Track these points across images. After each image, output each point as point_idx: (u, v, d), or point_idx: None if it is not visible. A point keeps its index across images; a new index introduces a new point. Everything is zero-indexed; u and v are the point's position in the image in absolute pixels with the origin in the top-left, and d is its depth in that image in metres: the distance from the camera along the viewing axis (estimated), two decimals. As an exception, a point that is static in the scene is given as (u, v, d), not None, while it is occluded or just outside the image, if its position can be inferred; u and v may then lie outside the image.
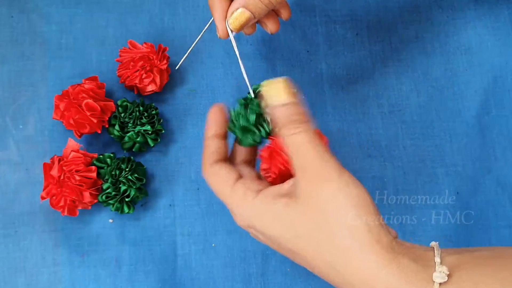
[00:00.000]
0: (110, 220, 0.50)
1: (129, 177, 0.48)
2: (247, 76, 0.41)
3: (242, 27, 0.40)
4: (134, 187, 0.48)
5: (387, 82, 0.56)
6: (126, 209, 0.48)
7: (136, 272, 0.49)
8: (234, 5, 0.40)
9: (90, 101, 0.47)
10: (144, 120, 0.49)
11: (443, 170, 0.54)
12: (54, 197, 0.47)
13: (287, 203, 0.34)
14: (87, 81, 0.49)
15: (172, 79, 0.54)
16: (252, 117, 0.38)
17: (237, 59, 0.42)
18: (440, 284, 0.31)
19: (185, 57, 0.50)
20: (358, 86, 0.56)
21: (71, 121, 0.47)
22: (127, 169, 0.48)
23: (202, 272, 0.50)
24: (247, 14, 0.40)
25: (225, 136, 0.40)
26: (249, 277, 0.50)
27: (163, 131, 0.51)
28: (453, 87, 0.57)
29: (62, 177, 0.46)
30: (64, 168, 0.46)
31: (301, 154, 0.34)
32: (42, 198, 0.47)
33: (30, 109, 0.51)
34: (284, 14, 0.44)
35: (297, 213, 0.34)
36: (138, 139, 0.49)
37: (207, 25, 0.45)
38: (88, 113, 0.47)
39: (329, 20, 0.57)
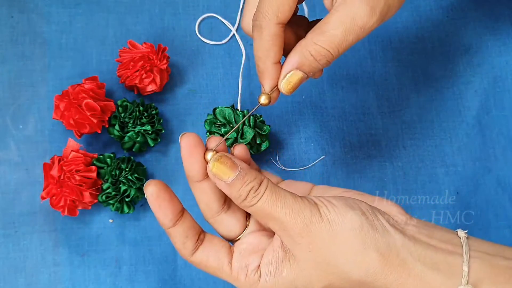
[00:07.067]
0: (110, 220, 0.50)
1: (129, 177, 0.48)
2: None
3: (294, 89, 0.36)
4: (134, 187, 0.48)
5: (387, 82, 0.56)
6: (126, 209, 0.48)
7: (136, 272, 0.49)
8: (286, 67, 0.36)
9: (90, 101, 0.47)
10: (144, 120, 0.49)
11: (443, 170, 0.54)
12: (54, 197, 0.47)
13: (291, 268, 0.33)
14: (87, 81, 0.49)
15: (172, 79, 0.54)
16: None
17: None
18: None
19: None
20: (358, 86, 0.56)
21: (71, 121, 0.47)
22: (127, 169, 0.48)
23: (202, 272, 0.50)
24: (300, 74, 0.36)
25: (182, 213, 0.35)
26: (249, 277, 0.50)
27: (163, 131, 0.51)
28: (453, 87, 0.56)
29: (62, 177, 0.46)
30: (64, 168, 0.46)
31: (272, 218, 0.32)
32: (42, 198, 0.47)
33: (30, 109, 0.51)
34: (317, 74, 0.39)
35: (306, 271, 0.33)
36: (138, 139, 0.49)
37: (252, 111, 0.38)
38: (88, 113, 0.47)
39: (329, 20, 0.57)
